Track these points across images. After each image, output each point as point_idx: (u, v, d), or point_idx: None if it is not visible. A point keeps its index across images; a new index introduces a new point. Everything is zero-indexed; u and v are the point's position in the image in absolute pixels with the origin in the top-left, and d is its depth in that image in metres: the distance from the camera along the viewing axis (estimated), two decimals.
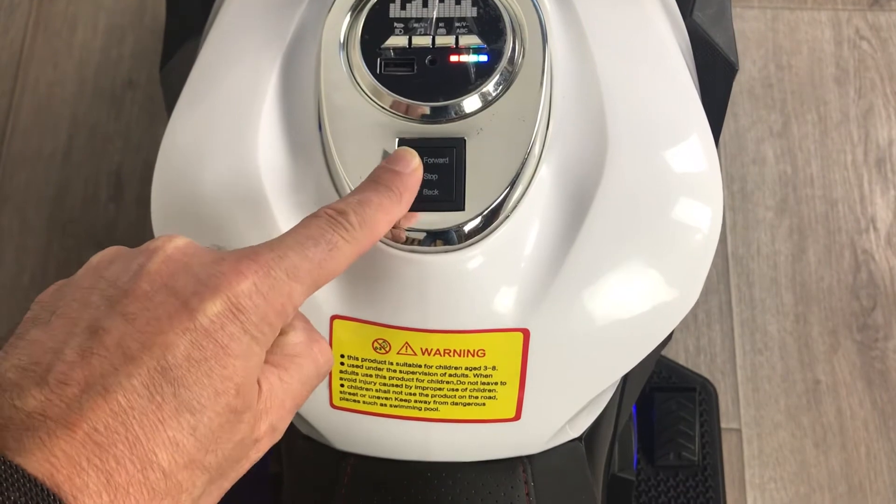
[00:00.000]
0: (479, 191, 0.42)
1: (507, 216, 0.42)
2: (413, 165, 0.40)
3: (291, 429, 0.52)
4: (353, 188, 0.42)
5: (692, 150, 0.46)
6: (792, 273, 1.15)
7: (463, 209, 0.41)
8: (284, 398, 0.34)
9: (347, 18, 0.45)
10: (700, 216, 0.45)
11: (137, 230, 1.18)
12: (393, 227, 0.41)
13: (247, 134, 0.44)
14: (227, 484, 0.33)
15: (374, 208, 0.37)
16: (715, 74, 0.58)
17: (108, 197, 1.20)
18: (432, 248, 0.41)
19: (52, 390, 0.28)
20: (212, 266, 0.32)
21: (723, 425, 1.04)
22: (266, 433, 0.33)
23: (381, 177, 0.39)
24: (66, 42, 1.27)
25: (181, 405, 0.29)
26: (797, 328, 1.13)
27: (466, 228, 0.41)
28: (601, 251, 0.43)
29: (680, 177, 0.45)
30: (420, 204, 0.41)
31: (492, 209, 0.41)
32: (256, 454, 0.34)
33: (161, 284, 0.31)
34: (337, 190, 0.43)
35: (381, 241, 0.42)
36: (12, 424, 0.28)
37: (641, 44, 0.48)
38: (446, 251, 0.41)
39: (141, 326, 0.30)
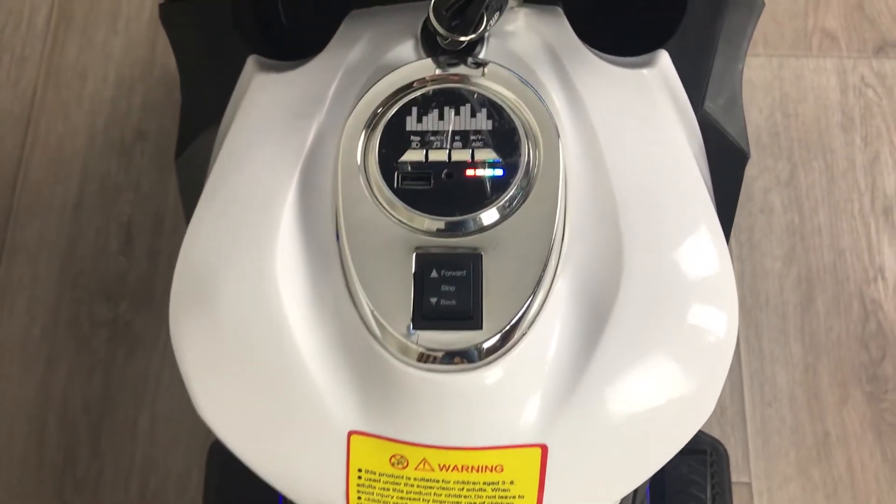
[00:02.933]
0: (496, 307, 0.42)
1: (525, 333, 0.42)
2: None
3: None
4: (369, 301, 0.42)
5: (706, 257, 0.46)
6: (801, 323, 1.15)
7: (480, 327, 0.42)
8: None
9: (365, 131, 0.45)
10: (716, 321, 0.46)
11: (147, 282, 1.18)
12: (411, 343, 0.42)
13: (265, 247, 0.44)
14: None
15: None
16: (726, 163, 0.59)
17: (118, 249, 1.20)
18: (450, 367, 0.42)
19: None
20: None
21: (733, 479, 1.04)
22: None
23: None
24: (77, 93, 1.28)
25: None
26: (806, 379, 1.13)
27: (485, 346, 0.42)
28: (620, 363, 0.43)
29: (695, 284, 0.45)
30: (437, 321, 0.42)
31: (510, 326, 0.42)
32: None
33: None
34: (354, 303, 0.43)
35: (398, 358, 0.42)
36: None
37: (654, 147, 0.48)
38: (464, 370, 0.42)
39: None
